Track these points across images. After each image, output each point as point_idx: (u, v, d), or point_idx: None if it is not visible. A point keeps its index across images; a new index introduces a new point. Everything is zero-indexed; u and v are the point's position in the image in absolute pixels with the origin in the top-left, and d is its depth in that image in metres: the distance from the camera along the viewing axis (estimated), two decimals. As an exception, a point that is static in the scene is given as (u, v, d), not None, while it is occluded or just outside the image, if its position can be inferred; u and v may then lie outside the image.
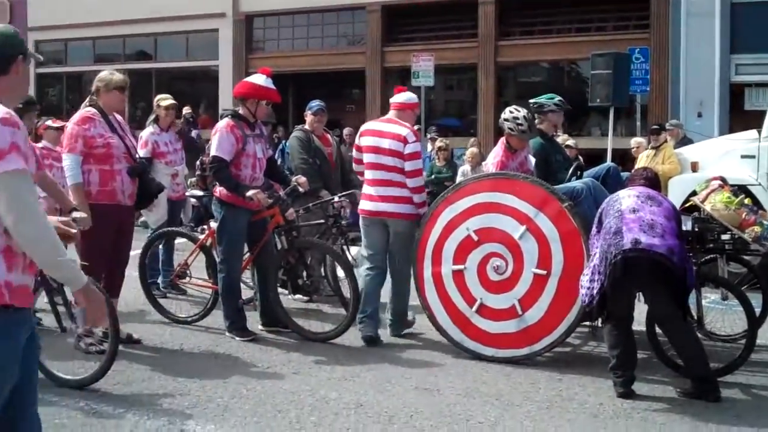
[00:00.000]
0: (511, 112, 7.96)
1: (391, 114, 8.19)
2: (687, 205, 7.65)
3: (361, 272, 8.16)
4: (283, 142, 15.55)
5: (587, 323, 7.76)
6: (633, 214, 6.29)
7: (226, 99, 22.48)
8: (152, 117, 9.99)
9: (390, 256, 8.07)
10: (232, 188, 7.74)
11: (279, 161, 10.26)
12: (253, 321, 8.24)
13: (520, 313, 7.14)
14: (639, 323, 6.84)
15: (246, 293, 8.67)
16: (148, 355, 7.39)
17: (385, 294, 8.20)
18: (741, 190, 7.28)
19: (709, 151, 12.64)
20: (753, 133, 11.95)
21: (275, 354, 7.47)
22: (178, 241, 10.05)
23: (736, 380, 6.74)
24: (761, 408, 6.21)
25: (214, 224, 8.24)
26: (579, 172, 8.16)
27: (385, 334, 8.08)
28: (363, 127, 8.41)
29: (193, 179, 11.72)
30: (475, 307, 7.30)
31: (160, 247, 9.67)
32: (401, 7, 22.08)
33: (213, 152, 7.85)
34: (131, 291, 9.09)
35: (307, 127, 9.70)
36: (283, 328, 8.13)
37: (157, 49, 26.28)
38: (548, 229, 7.06)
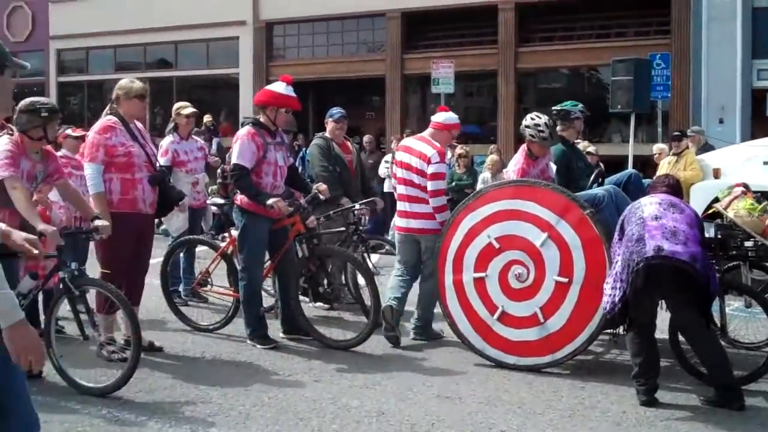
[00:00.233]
0: (532, 119, 7.96)
1: (426, 132, 8.38)
2: (709, 212, 7.57)
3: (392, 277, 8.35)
4: (303, 149, 15.58)
5: (609, 331, 7.72)
6: (655, 222, 6.25)
7: (246, 107, 22.56)
8: (171, 125, 10.01)
9: (423, 266, 8.21)
10: (252, 196, 7.76)
11: (299, 169, 10.26)
12: (274, 329, 8.24)
13: (542, 320, 7.11)
14: (662, 331, 6.80)
15: (267, 301, 8.67)
16: (169, 363, 7.41)
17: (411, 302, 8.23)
18: (764, 196, 7.21)
19: (732, 157, 12.56)
20: (775, 138, 11.88)
21: (296, 362, 7.47)
22: (199, 249, 10.07)
23: (760, 388, 6.68)
24: (786, 416, 6.17)
25: (235, 232, 8.26)
26: (600, 179, 8.14)
27: (406, 341, 8.08)
28: (400, 143, 8.72)
29: (214, 187, 11.77)
30: (496, 315, 7.28)
31: (181, 255, 9.70)
32: (421, 14, 22.08)
33: (234, 160, 7.87)
34: (153, 299, 9.13)
35: (327, 134, 9.70)
36: (304, 336, 8.13)
37: (177, 57, 26.40)
38: (570, 236, 7.03)
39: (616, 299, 6.26)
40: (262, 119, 8.03)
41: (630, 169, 10.04)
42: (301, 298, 8.54)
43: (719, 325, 7.10)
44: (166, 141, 9.80)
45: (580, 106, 8.46)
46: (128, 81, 7.62)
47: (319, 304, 9.42)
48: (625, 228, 6.44)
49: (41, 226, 6.05)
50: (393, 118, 22.23)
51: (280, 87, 8.05)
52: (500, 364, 7.27)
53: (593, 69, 21.20)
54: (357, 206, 9.29)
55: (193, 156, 9.92)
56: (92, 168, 7.27)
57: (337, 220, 9.24)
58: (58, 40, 27.48)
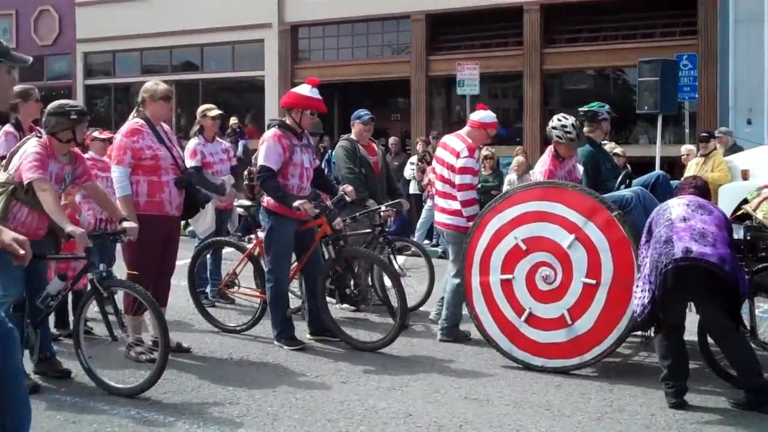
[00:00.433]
0: (559, 120, 7.94)
1: (463, 130, 8.49)
2: (738, 213, 7.52)
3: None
4: (329, 151, 15.60)
5: (639, 333, 7.68)
6: (684, 223, 6.21)
7: (272, 109, 22.60)
8: (197, 127, 10.02)
9: (451, 264, 8.27)
10: (279, 198, 7.78)
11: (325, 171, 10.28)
12: (301, 330, 8.26)
13: (569, 322, 7.09)
14: (691, 333, 6.75)
15: (294, 302, 8.69)
16: (197, 363, 7.44)
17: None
18: (794, 198, 7.16)
19: (760, 158, 12.41)
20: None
21: (324, 363, 7.48)
22: (225, 250, 10.10)
23: (790, 391, 6.62)
24: (817, 420, 6.11)
25: (261, 234, 8.28)
26: (628, 181, 8.10)
27: (428, 343, 8.07)
28: (440, 140, 8.92)
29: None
30: (523, 317, 7.26)
31: (208, 256, 9.73)
32: (445, 16, 22.02)
33: (260, 162, 7.89)
34: (180, 300, 9.17)
35: (353, 136, 9.71)
36: (331, 337, 8.14)
37: (203, 60, 26.48)
38: (597, 238, 7.00)
39: (645, 301, 6.23)
40: (288, 121, 8.05)
41: (657, 171, 9.98)
42: (328, 299, 8.54)
43: (749, 327, 7.06)
44: (192, 143, 9.82)
45: (607, 107, 8.45)
46: (153, 83, 7.67)
47: (345, 305, 9.44)
48: (652, 230, 6.40)
49: (69, 228, 6.09)
50: (418, 119, 22.20)
51: (305, 89, 8.06)
52: (527, 366, 7.25)
53: (619, 70, 21.07)
54: (383, 208, 9.28)
55: (218, 158, 9.94)
56: (119, 171, 7.31)
57: (362, 221, 9.24)
58: (85, 44, 27.61)
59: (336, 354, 7.81)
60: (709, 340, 6.70)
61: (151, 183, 7.35)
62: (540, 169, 8.07)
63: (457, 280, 7.98)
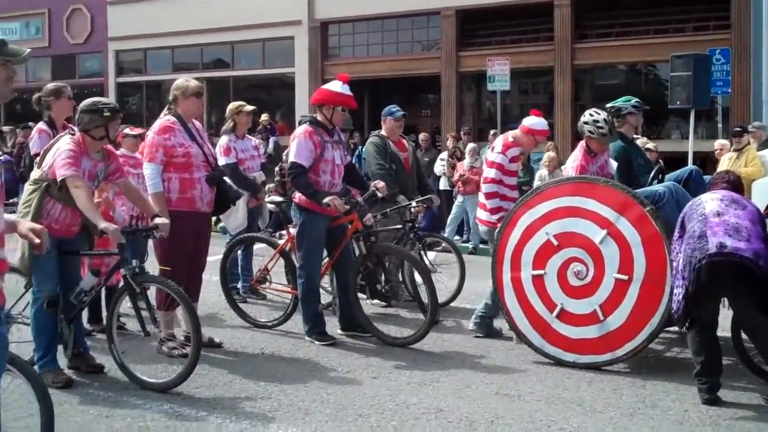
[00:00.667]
0: (591, 115, 7.90)
1: (512, 132, 8.53)
2: (772, 208, 7.46)
3: None
4: (359, 147, 15.61)
5: (674, 329, 7.63)
6: (717, 218, 6.16)
7: (302, 106, 22.68)
8: (231, 124, 10.02)
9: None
10: (310, 194, 7.79)
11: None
12: (333, 326, 8.28)
13: (601, 318, 7.05)
14: (724, 329, 6.71)
15: (325, 298, 8.71)
16: (229, 359, 7.47)
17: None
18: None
19: (794, 153, 12.36)
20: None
21: (355, 358, 7.49)
22: (256, 246, 10.13)
23: (826, 388, 6.57)
24: None
25: (293, 230, 8.30)
26: (660, 176, 8.05)
27: (459, 339, 8.06)
28: None
29: (271, 185, 11.82)
30: (555, 313, 7.23)
31: (240, 252, 9.76)
32: (476, 12, 21.99)
33: (291, 158, 7.92)
34: (212, 295, 9.22)
35: (383, 132, 9.69)
36: (362, 333, 8.15)
37: (234, 57, 26.59)
38: (630, 233, 6.96)
39: (680, 297, 6.18)
40: (319, 118, 8.06)
41: (690, 166, 9.91)
42: (359, 295, 8.54)
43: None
44: (224, 140, 9.83)
45: (634, 100, 8.34)
46: (184, 80, 7.69)
47: (376, 301, 9.44)
48: (685, 225, 6.35)
49: (103, 224, 6.14)
50: (448, 115, 22.17)
51: (336, 86, 8.07)
52: (559, 362, 7.22)
53: (651, 65, 20.96)
54: (413, 204, 9.28)
55: (249, 154, 9.94)
56: (151, 168, 7.35)
57: (393, 217, 9.24)
58: (117, 42, 27.80)
59: (367, 349, 7.82)
60: (743, 335, 6.65)
61: (183, 180, 7.38)
62: (572, 165, 8.03)
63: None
